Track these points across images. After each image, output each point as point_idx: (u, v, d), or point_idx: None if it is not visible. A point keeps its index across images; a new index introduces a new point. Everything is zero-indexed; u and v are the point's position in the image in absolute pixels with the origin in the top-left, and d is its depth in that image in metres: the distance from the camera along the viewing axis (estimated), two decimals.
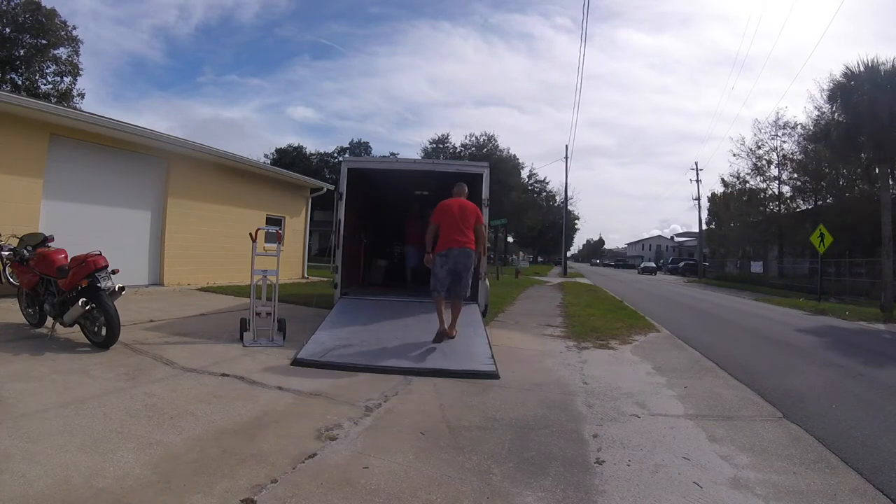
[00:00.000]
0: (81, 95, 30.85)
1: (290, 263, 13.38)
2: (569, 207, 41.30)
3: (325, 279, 13.08)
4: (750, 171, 28.61)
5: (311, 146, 71.14)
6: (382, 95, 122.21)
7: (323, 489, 2.17)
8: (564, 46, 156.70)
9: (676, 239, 74.56)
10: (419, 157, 34.01)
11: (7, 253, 5.85)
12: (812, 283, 19.86)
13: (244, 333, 5.10)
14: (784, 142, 26.77)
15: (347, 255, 7.19)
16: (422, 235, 6.81)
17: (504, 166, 38.26)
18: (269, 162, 44.71)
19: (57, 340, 4.64)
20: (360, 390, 3.70)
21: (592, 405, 3.65)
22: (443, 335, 5.05)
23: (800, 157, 25.77)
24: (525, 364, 4.93)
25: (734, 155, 34.61)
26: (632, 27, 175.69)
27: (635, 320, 8.55)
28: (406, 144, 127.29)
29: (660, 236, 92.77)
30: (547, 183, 49.84)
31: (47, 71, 28.97)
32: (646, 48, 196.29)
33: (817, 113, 22.10)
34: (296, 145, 53.53)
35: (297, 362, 4.35)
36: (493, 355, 4.69)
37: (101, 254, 4.56)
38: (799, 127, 25.47)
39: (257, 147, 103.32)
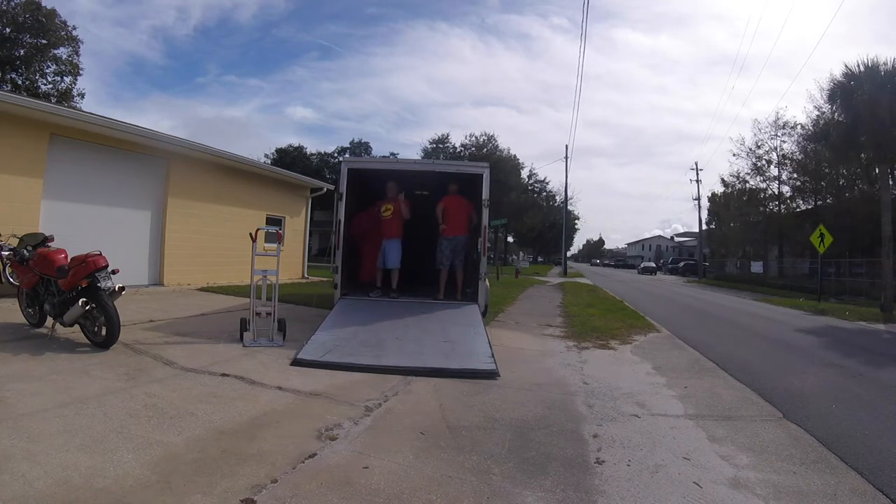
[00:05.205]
0: (81, 95, 30.88)
1: (290, 263, 13.38)
2: (569, 207, 41.31)
3: (325, 279, 13.08)
4: (750, 171, 28.68)
5: (311, 146, 71.10)
6: (381, 96, 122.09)
7: (323, 489, 2.17)
8: (562, 46, 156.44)
9: (677, 239, 74.58)
10: (419, 158, 34.00)
11: (7, 253, 5.86)
12: (812, 283, 19.87)
13: (244, 333, 5.10)
14: (784, 142, 26.84)
15: (347, 255, 7.19)
16: (398, 229, 7.30)
17: (504, 166, 38.27)
18: (269, 162, 44.69)
19: (57, 340, 4.64)
20: (360, 390, 3.70)
21: (592, 405, 3.65)
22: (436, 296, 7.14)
23: (799, 157, 25.79)
24: (525, 364, 4.93)
25: (734, 155, 34.64)
26: (629, 27, 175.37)
27: (635, 320, 8.55)
28: (405, 144, 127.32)
29: (660, 236, 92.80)
30: (547, 183, 49.93)
31: (47, 71, 28.96)
32: (643, 48, 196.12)
33: (817, 113, 22.16)
34: (296, 145, 53.57)
35: (297, 362, 4.35)
36: (493, 354, 4.70)
37: (101, 254, 4.56)
38: (799, 127, 25.53)
39: (260, 147, 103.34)
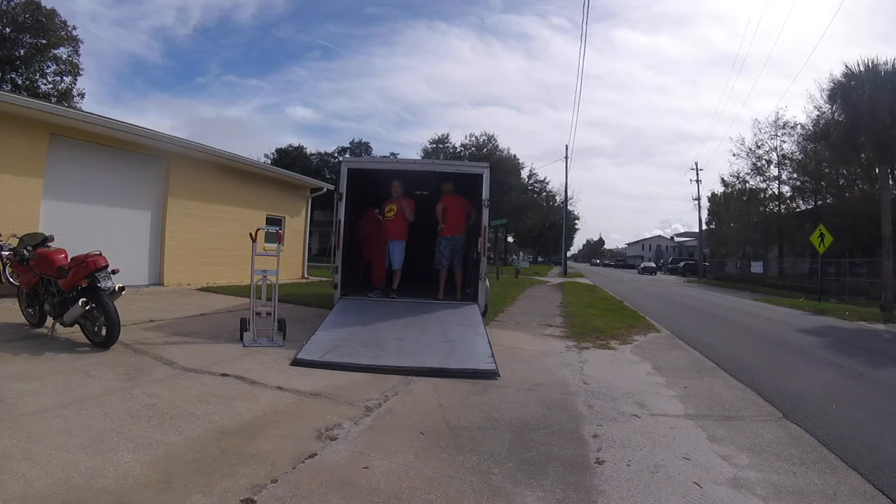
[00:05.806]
0: (81, 95, 30.89)
1: (290, 263, 13.38)
2: (569, 207, 41.32)
3: (325, 279, 13.08)
4: (750, 170, 28.68)
5: (311, 146, 70.96)
6: (381, 96, 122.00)
7: (323, 489, 2.17)
8: (561, 46, 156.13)
9: (677, 239, 74.56)
10: (419, 158, 33.99)
11: (7, 253, 5.85)
12: (812, 283, 19.88)
13: (244, 333, 5.10)
14: (784, 142, 26.85)
15: (347, 255, 7.19)
16: (403, 230, 7.30)
17: (504, 166, 38.25)
18: (269, 162, 44.69)
19: (57, 340, 4.64)
20: (360, 390, 3.70)
21: (592, 405, 3.65)
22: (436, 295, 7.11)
23: (799, 157, 25.80)
24: (525, 364, 4.92)
25: (734, 155, 34.67)
26: (629, 27, 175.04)
27: (635, 320, 8.55)
28: (405, 144, 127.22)
29: (660, 236, 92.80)
30: (547, 183, 49.94)
31: (47, 71, 28.97)
32: (643, 48, 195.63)
33: (817, 113, 22.19)
34: (296, 145, 53.56)
35: (297, 362, 4.35)
36: (492, 354, 4.70)
37: (101, 254, 4.56)
38: (799, 127, 25.55)
39: (260, 147, 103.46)
